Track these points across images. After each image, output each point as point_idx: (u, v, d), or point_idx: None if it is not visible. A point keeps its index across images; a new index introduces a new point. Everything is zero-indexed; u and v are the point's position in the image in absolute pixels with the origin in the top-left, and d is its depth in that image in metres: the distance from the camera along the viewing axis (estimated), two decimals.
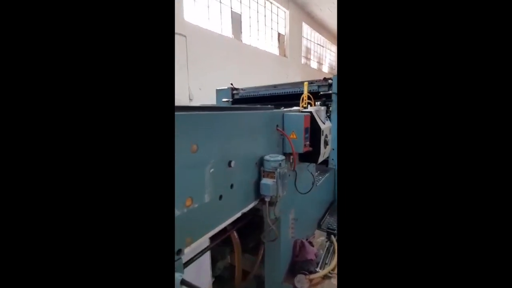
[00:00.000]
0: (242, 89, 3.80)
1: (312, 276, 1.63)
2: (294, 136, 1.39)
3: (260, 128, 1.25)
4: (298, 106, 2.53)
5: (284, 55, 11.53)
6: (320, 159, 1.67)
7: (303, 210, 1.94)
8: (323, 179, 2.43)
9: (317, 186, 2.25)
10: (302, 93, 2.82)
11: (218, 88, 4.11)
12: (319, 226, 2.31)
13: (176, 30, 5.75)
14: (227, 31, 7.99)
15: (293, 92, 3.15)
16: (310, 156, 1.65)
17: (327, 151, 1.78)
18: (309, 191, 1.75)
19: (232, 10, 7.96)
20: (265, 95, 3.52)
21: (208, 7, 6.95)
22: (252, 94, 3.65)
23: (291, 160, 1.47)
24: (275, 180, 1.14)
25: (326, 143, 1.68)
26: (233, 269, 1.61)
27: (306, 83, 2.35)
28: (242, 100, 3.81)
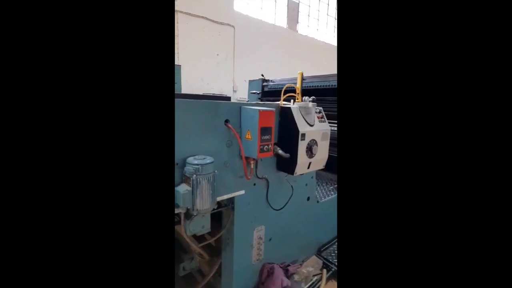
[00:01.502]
0: (271, 81, 3.49)
1: None
2: (249, 137, 1.08)
3: (197, 121, 1.00)
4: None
5: None
6: (300, 170, 1.29)
7: (289, 229, 1.59)
8: (332, 196, 1.96)
9: (321, 203, 1.83)
10: (334, 87, 2.36)
11: (250, 79, 3.91)
12: (319, 253, 1.88)
13: (224, 20, 5.80)
14: (282, 21, 7.62)
15: (322, 86, 2.66)
16: (287, 164, 1.30)
17: (316, 162, 1.37)
18: (283, 207, 1.40)
19: None
20: (304, 88, 3.11)
21: None
22: (279, 87, 3.30)
23: (252, 166, 1.16)
24: (190, 188, 0.89)
25: (310, 151, 1.28)
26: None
27: (300, 72, 1.93)
28: (271, 93, 3.51)
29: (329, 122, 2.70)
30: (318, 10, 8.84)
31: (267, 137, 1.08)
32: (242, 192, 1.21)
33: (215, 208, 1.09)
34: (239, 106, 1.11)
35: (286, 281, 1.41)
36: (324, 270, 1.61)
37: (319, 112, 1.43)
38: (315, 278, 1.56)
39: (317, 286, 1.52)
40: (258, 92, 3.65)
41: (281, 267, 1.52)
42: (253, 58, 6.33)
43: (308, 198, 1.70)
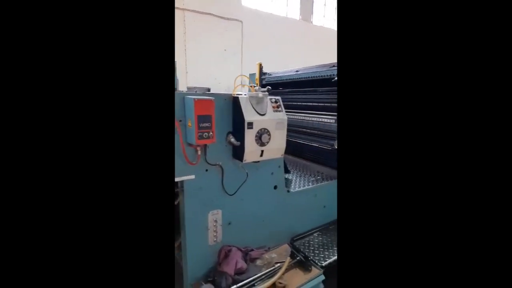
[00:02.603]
0: (269, 73, 3.49)
1: None
2: (190, 124, 1.16)
3: None
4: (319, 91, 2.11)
5: None
6: (250, 157, 1.34)
7: (254, 215, 1.65)
8: (307, 187, 1.96)
9: (292, 193, 1.85)
10: (332, 77, 2.32)
11: (251, 73, 3.95)
12: (291, 242, 1.91)
13: (232, 16, 5.86)
14: (294, 13, 7.46)
15: (317, 77, 2.61)
16: (238, 152, 1.36)
17: (271, 150, 1.41)
18: (235, 192, 1.46)
19: None
20: (292, 80, 3.07)
21: None
22: (275, 80, 3.30)
23: (199, 153, 1.24)
24: None
25: (260, 139, 1.32)
26: None
27: (258, 63, 1.92)
28: (269, 86, 3.52)
29: (316, 113, 2.68)
30: None
31: (206, 124, 1.15)
32: (192, 176, 1.30)
33: None
34: (183, 96, 1.19)
35: (241, 263, 1.48)
36: (288, 258, 1.65)
37: (275, 102, 1.45)
38: (278, 265, 1.61)
39: (274, 272, 1.56)
40: (256, 85, 3.69)
41: (242, 250, 1.59)
42: (263, 52, 6.32)
43: (275, 187, 1.74)
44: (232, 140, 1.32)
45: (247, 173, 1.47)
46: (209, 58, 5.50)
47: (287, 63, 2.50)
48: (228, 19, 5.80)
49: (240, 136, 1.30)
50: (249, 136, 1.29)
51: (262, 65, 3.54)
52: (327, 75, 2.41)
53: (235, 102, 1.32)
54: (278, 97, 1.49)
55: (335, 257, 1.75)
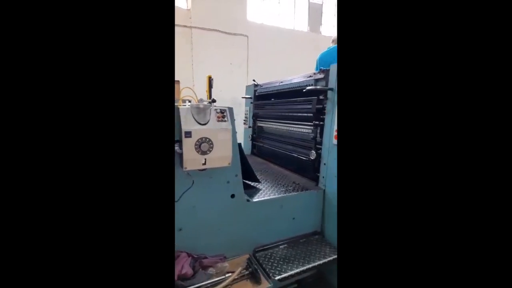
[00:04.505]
0: (260, 85, 3.57)
1: None
2: None
3: None
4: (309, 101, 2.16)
5: None
6: (190, 165, 1.39)
7: (208, 224, 1.68)
8: (270, 197, 1.94)
9: (253, 202, 1.85)
10: (313, 86, 2.33)
11: (247, 85, 4.05)
12: (254, 253, 1.89)
13: (238, 31, 6.11)
14: (302, 25, 7.54)
15: (296, 87, 2.62)
16: (181, 160, 1.42)
17: (216, 159, 1.45)
18: (179, 199, 1.50)
19: (310, 1, 7.39)
20: (277, 91, 3.11)
21: (279, 3, 6.83)
22: (265, 91, 3.36)
23: None
24: None
25: (200, 149, 1.38)
26: None
27: (208, 76, 1.97)
28: (261, 97, 3.58)
29: (295, 123, 2.66)
30: None
31: None
32: None
33: None
34: None
35: (187, 269, 1.50)
36: (240, 268, 1.63)
37: (221, 112, 1.50)
38: (229, 274, 1.60)
39: (222, 281, 1.55)
40: (250, 96, 3.77)
41: (193, 257, 1.61)
42: (269, 64, 6.46)
43: (233, 196, 1.75)
44: (176, 148, 1.38)
45: (193, 180, 1.52)
46: (215, 71, 5.76)
47: (298, 73, 2.56)
48: (234, 34, 6.07)
49: (181, 145, 1.36)
50: (188, 145, 1.35)
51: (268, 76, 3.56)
52: (304, 85, 2.42)
53: (177, 112, 1.40)
54: (225, 108, 1.54)
55: (293, 271, 1.69)
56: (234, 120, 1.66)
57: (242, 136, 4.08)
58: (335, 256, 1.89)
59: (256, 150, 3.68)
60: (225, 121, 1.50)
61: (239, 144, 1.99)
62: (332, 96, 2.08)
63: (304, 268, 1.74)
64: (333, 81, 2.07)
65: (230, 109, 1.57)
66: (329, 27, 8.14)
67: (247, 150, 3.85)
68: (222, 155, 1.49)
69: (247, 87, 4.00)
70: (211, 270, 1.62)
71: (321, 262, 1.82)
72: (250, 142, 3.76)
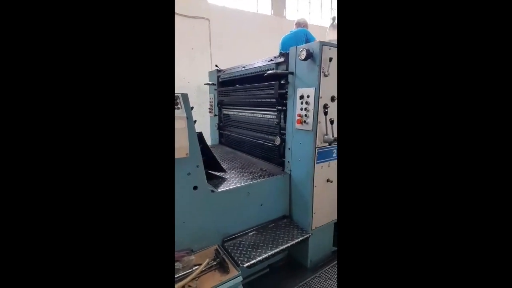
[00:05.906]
0: (223, 71, 3.41)
1: None
2: None
3: None
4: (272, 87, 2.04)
5: None
6: None
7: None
8: (233, 187, 1.90)
9: (217, 193, 1.79)
10: (275, 71, 2.24)
11: (210, 71, 3.85)
12: (222, 243, 1.85)
13: (198, 14, 5.75)
14: (266, 9, 7.37)
15: (258, 72, 2.54)
16: None
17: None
18: None
19: None
20: (241, 76, 2.99)
21: None
22: (228, 77, 3.23)
23: None
24: None
25: None
26: None
27: None
28: (225, 83, 3.44)
29: (260, 109, 2.62)
30: None
31: None
32: None
33: None
34: None
35: None
36: (207, 260, 1.59)
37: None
38: (196, 267, 1.55)
39: (188, 274, 1.50)
40: (214, 83, 3.61)
41: None
42: (233, 49, 6.23)
43: (195, 188, 1.67)
44: None
45: None
46: (176, 58, 5.39)
47: (263, 58, 2.45)
48: (194, 17, 5.69)
49: None
50: None
51: (233, 61, 3.45)
52: (266, 70, 2.35)
53: None
54: (178, 95, 1.42)
55: (261, 257, 1.70)
56: (192, 107, 1.56)
57: (208, 125, 3.94)
58: (302, 238, 1.94)
59: (224, 139, 3.58)
60: (178, 108, 1.38)
61: (200, 133, 1.89)
62: (293, 80, 2.06)
63: (273, 252, 1.76)
64: (292, 65, 2.04)
65: (184, 95, 1.45)
66: (293, 11, 8.08)
67: (214, 139, 3.74)
68: (178, 146, 1.39)
69: (210, 73, 3.82)
70: (177, 265, 1.56)
71: (289, 244, 1.85)
72: (217, 131, 3.64)
